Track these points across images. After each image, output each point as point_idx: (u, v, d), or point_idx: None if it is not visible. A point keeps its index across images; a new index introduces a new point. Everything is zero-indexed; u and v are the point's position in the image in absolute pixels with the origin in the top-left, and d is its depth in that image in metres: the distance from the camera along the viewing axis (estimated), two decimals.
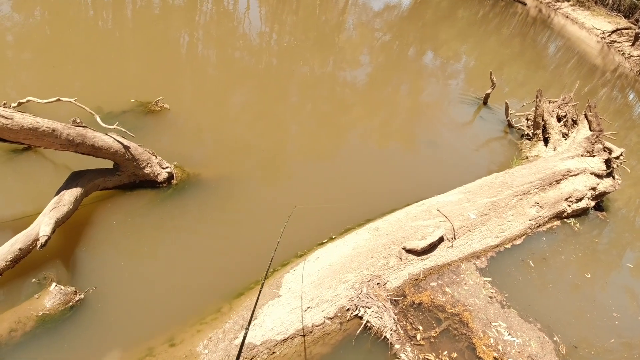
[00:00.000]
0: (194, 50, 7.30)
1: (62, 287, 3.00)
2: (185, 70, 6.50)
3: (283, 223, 3.45)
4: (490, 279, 4.00)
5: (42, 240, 3.02)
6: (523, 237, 4.63)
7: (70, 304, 2.98)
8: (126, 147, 3.79)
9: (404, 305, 3.48)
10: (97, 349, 2.83)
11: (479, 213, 4.24)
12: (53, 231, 3.13)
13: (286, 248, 3.69)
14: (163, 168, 4.12)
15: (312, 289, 3.23)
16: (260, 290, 2.60)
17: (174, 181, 4.20)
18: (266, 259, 3.54)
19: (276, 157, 5.02)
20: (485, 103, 7.84)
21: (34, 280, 3.12)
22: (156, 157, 4.09)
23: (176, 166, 4.29)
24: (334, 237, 3.83)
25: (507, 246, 4.43)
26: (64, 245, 3.42)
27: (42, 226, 3.12)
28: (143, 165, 3.97)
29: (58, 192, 3.45)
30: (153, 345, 2.90)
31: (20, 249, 3.05)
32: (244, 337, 2.06)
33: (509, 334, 3.61)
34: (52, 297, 2.95)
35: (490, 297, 3.84)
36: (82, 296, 3.06)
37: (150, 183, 4.08)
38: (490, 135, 7.06)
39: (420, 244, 3.65)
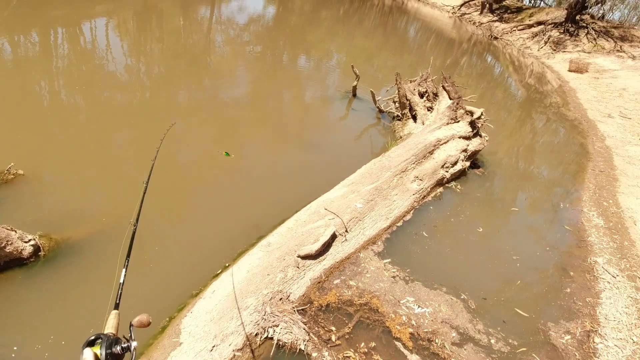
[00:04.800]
0: (57, 98, 6.64)
1: None
2: (46, 123, 5.86)
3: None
4: (389, 259, 4.16)
5: None
6: (412, 212, 4.89)
7: None
8: None
9: (312, 311, 3.48)
10: None
11: (365, 200, 4.40)
12: None
13: (180, 289, 3.51)
14: (26, 242, 3.69)
15: (213, 326, 3.10)
16: None
17: (41, 253, 3.79)
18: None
19: (164, 194, 4.73)
20: (354, 95, 8.23)
21: None
22: (15, 231, 3.66)
23: (41, 235, 3.86)
24: (227, 264, 3.72)
25: (398, 224, 4.65)
26: None
27: None
28: (2, 245, 3.53)
29: None
30: None
31: None
32: None
33: (419, 307, 3.75)
34: None
35: (394, 277, 3.98)
36: None
37: (16, 261, 3.65)
38: (365, 124, 7.42)
39: (314, 247, 3.68)
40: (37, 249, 3.74)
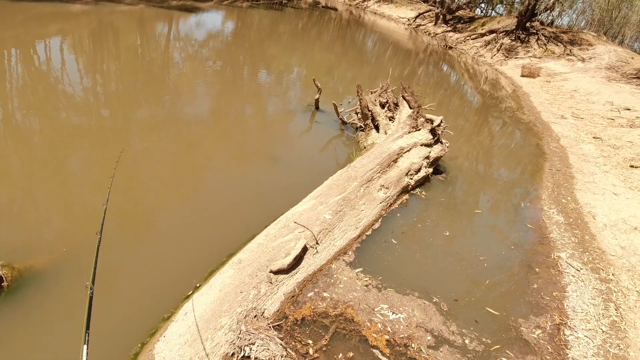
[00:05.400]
0: (11, 121, 6.32)
1: None
2: None
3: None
4: (361, 268, 4.18)
5: None
6: (380, 220, 4.95)
7: None
8: None
9: (287, 326, 3.44)
10: None
11: (334, 212, 4.42)
12: None
13: (151, 313, 3.39)
14: None
15: (188, 349, 3.01)
16: None
17: (4, 283, 3.60)
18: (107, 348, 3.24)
19: (125, 217, 4.58)
20: (317, 108, 8.33)
21: None
22: None
23: (3, 265, 3.68)
24: (198, 285, 3.63)
25: (368, 233, 4.69)
26: None
27: None
28: None
29: None
30: None
31: None
32: None
33: (393, 313, 3.78)
34: None
35: (367, 286, 4.00)
36: None
37: None
38: (329, 136, 7.51)
39: (285, 262, 3.65)
40: (0, 279, 3.56)
